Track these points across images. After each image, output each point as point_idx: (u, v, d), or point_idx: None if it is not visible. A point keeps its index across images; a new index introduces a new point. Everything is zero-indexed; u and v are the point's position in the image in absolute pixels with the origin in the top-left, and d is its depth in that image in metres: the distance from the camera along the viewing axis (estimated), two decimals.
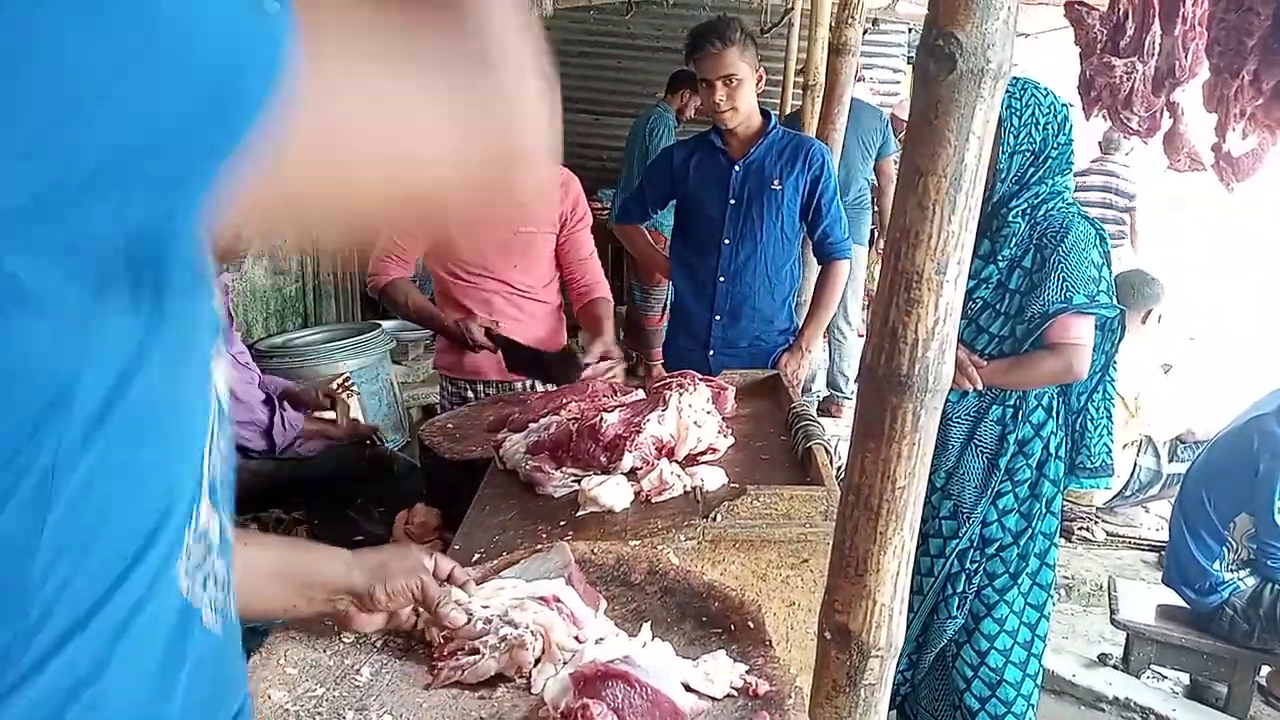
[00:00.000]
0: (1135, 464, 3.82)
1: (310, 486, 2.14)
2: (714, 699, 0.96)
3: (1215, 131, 2.40)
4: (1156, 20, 2.60)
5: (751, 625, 1.08)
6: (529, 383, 2.59)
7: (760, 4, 5.77)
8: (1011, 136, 2.02)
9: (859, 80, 4.90)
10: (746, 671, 1.00)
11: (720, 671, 0.98)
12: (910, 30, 6.52)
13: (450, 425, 2.10)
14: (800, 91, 4.13)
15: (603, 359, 2.39)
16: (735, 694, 0.97)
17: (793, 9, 5.15)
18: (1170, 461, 3.82)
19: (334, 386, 2.64)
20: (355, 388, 3.30)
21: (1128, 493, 3.89)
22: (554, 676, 0.96)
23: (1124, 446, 3.67)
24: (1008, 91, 2.02)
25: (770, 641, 1.07)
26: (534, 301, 2.63)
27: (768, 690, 0.97)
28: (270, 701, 0.95)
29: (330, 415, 2.50)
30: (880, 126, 4.86)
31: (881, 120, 4.91)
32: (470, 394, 2.65)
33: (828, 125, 3.13)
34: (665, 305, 4.94)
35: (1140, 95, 2.70)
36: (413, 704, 0.97)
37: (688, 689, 0.96)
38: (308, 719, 0.93)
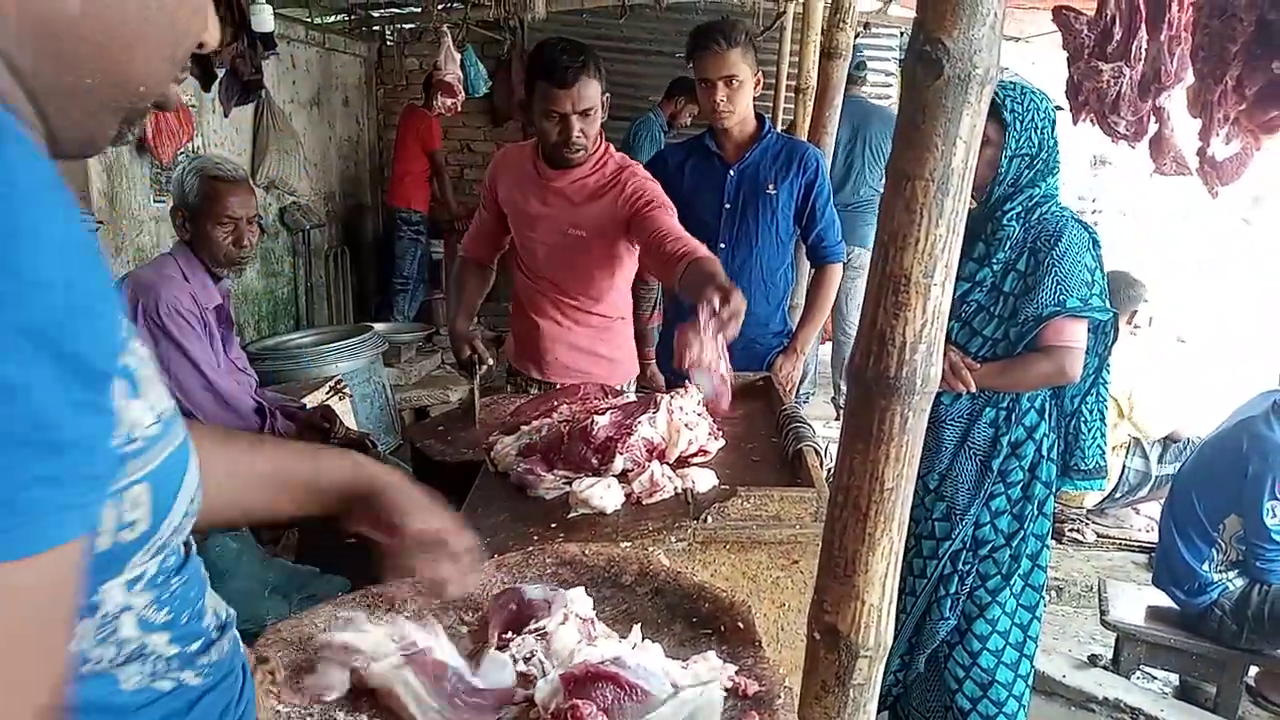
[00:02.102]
0: (1124, 466, 3.84)
1: None
2: None
3: (1200, 136, 2.42)
4: (1143, 26, 2.62)
5: (741, 626, 1.09)
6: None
7: (753, 8, 5.78)
8: (1013, 141, 2.03)
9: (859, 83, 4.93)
10: (736, 672, 1.00)
11: (710, 672, 0.99)
12: (902, 34, 6.53)
13: (441, 428, 2.10)
14: (792, 95, 4.15)
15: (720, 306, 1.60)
16: (725, 694, 0.98)
17: (785, 13, 5.16)
18: (1159, 463, 3.84)
19: (328, 405, 2.63)
20: (347, 390, 3.29)
21: (1117, 494, 3.91)
22: (544, 678, 0.96)
23: (1113, 449, 3.69)
24: (1010, 96, 2.03)
25: (760, 642, 1.07)
26: (582, 312, 2.43)
27: (757, 690, 0.97)
28: (261, 705, 0.95)
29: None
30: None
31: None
32: (523, 385, 2.55)
33: (820, 129, 3.15)
34: (655, 302, 4.94)
35: (1127, 100, 2.72)
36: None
37: (677, 689, 0.96)
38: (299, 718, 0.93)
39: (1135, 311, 3.67)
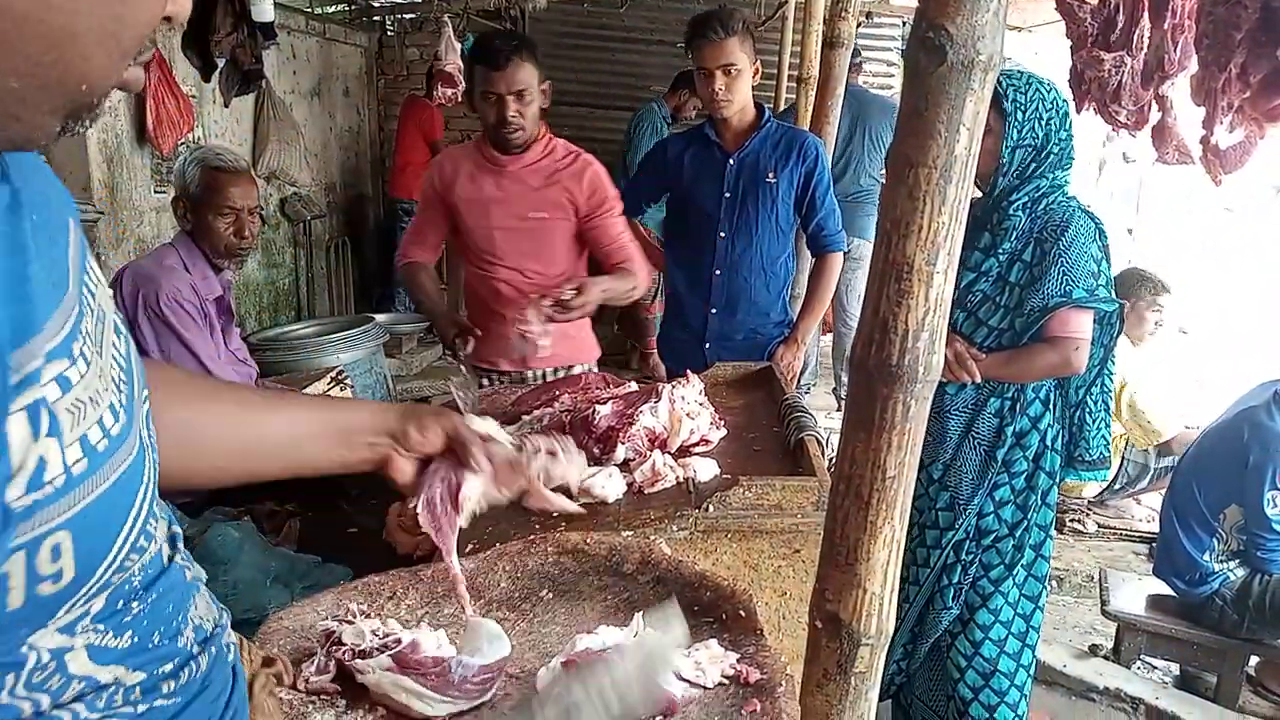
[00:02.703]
0: (1123, 457, 3.84)
1: (302, 479, 2.14)
2: (705, 687, 0.97)
3: (1203, 124, 2.41)
4: (1146, 14, 2.61)
5: (743, 614, 1.09)
6: (539, 372, 2.55)
7: None
8: (1015, 131, 2.02)
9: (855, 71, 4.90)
10: (738, 660, 1.00)
11: (712, 660, 0.99)
12: (904, 23, 6.51)
13: None
14: (795, 85, 4.14)
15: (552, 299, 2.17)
16: (726, 682, 0.98)
17: (786, 2, 5.14)
18: (1158, 457, 3.84)
19: (329, 396, 2.62)
20: (348, 380, 3.29)
21: (1116, 485, 3.91)
22: (546, 666, 0.97)
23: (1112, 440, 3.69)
24: (1012, 85, 2.02)
25: (762, 630, 1.07)
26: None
27: (759, 678, 0.98)
28: (263, 707, 0.94)
29: None
30: (894, 122, 4.80)
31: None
32: (485, 381, 2.60)
33: (822, 118, 3.13)
34: (657, 292, 4.94)
35: (1129, 89, 2.71)
36: None
37: (679, 677, 0.96)
38: (300, 705, 0.93)
39: (1159, 311, 3.66)
